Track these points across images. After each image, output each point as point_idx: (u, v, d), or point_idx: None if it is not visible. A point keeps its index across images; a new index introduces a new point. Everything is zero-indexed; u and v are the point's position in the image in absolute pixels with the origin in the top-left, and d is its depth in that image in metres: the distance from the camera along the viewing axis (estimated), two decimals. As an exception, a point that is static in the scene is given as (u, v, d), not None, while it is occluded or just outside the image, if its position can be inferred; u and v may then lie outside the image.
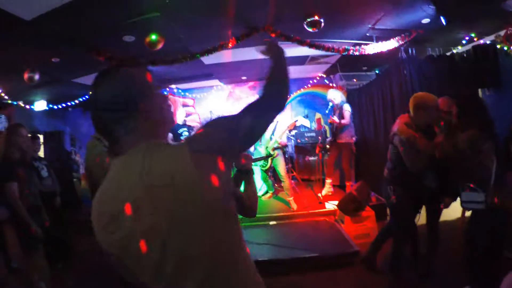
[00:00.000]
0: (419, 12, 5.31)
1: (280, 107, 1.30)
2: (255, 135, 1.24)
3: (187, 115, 10.03)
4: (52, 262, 4.16)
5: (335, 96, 6.70)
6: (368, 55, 6.23)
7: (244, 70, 8.61)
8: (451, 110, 3.33)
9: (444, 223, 4.82)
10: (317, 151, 7.34)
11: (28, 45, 5.20)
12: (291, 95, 10.18)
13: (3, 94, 7.63)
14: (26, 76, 5.81)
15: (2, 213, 3.88)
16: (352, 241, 4.72)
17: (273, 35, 5.47)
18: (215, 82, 10.01)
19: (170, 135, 7.97)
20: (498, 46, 5.61)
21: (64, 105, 9.12)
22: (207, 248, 1.05)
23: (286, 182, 6.27)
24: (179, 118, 9.77)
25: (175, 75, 8.42)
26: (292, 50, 6.85)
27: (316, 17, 5.02)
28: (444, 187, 3.53)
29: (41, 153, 6.10)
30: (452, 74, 5.35)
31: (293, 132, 8.51)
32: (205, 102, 10.45)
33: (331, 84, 9.55)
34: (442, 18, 5.29)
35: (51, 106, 9.08)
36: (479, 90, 6.36)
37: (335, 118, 6.57)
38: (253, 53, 6.82)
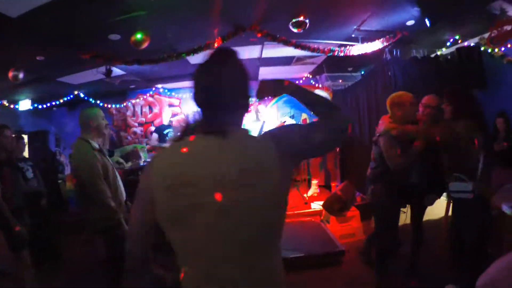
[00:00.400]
0: (404, 14, 5.37)
1: (345, 130, 1.37)
2: (325, 150, 1.53)
3: (173, 115, 9.99)
4: (39, 263, 4.12)
5: (321, 97, 6.74)
6: (354, 56, 6.28)
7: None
8: (439, 104, 3.37)
9: (428, 222, 4.89)
10: (302, 151, 7.39)
11: (13, 42, 5.13)
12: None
13: (-14, 94, 7.54)
14: (10, 74, 5.74)
15: None
16: (337, 240, 4.76)
17: (259, 34, 5.47)
18: (202, 81, 9.89)
19: (156, 135, 7.95)
20: (482, 48, 5.70)
21: (49, 104, 9.02)
22: (262, 232, 1.17)
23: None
24: (165, 118, 9.75)
25: (161, 74, 8.37)
26: (278, 51, 6.87)
27: (302, 18, 5.04)
28: (430, 185, 3.58)
29: (25, 154, 6.02)
30: (436, 75, 5.42)
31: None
32: (192, 102, 10.29)
33: (317, 85, 9.59)
34: (426, 20, 5.35)
35: (35, 105, 8.98)
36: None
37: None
38: (239, 53, 6.80)
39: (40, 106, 9.01)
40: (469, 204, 3.08)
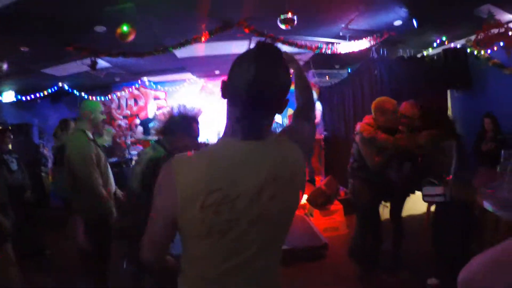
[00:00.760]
0: (391, 14, 5.43)
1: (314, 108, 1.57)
2: None
3: (158, 108, 9.95)
4: (22, 258, 4.07)
5: (307, 94, 6.78)
6: (341, 54, 6.32)
7: (217, 64, 8.59)
8: (414, 115, 3.45)
9: (410, 217, 4.98)
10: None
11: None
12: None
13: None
14: (-6, 66, 5.64)
15: None
16: (321, 234, 4.82)
17: (247, 30, 5.46)
18: (187, 75, 9.94)
19: (141, 128, 7.91)
20: (469, 50, 5.79)
21: (32, 96, 8.89)
22: (281, 237, 1.23)
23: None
24: (150, 112, 9.70)
25: (147, 67, 8.31)
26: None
27: (290, 15, 5.05)
28: (407, 181, 3.68)
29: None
30: (422, 75, 5.50)
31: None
32: (177, 95, 10.33)
33: (304, 81, 9.58)
34: (414, 20, 5.41)
35: (19, 97, 8.84)
36: (448, 91, 6.58)
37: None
38: (226, 47, 6.82)
39: (23, 98, 8.86)
40: (448, 206, 3.16)
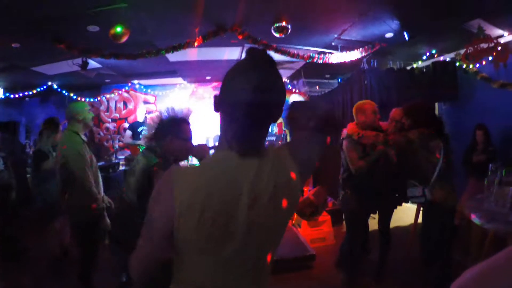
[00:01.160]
0: (383, 26, 5.49)
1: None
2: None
3: (148, 112, 9.88)
4: (5, 259, 4.02)
5: (297, 102, 6.78)
6: (332, 63, 6.36)
7: (209, 69, 8.56)
8: (403, 119, 3.49)
9: (397, 228, 5.00)
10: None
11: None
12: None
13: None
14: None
15: None
16: (308, 244, 4.78)
17: (240, 36, 5.47)
18: (178, 80, 9.90)
19: (129, 132, 7.83)
20: (458, 64, 5.88)
21: (21, 94, 8.78)
22: (274, 246, 1.24)
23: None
24: (139, 115, 9.63)
25: (138, 70, 8.24)
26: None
27: (284, 23, 5.08)
28: (393, 191, 3.72)
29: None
30: (411, 86, 5.57)
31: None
32: (167, 100, 10.23)
33: (294, 90, 9.67)
34: (405, 33, 5.47)
35: (7, 94, 8.72)
36: (436, 104, 6.67)
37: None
38: (219, 53, 6.82)
39: (12, 96, 8.75)
40: (432, 210, 3.20)
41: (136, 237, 1.17)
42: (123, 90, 10.02)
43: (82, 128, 3.32)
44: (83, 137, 3.31)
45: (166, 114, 2.61)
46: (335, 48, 6.41)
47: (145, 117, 9.20)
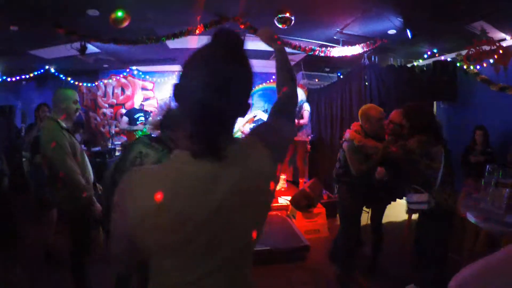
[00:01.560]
0: (386, 23, 5.48)
1: (296, 104, 1.45)
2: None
3: (145, 99, 9.85)
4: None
5: (296, 94, 6.76)
6: (333, 57, 6.34)
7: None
8: (402, 122, 3.47)
9: (391, 224, 5.03)
10: (273, 146, 7.39)
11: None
12: (253, 88, 10.19)
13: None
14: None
15: None
16: (303, 236, 4.82)
17: (242, 26, 5.45)
18: (177, 67, 9.64)
19: (126, 118, 7.80)
20: (458, 64, 5.88)
21: (18, 78, 8.69)
22: (250, 246, 1.09)
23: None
24: (137, 102, 9.58)
25: (137, 56, 8.17)
26: (257, 44, 6.83)
27: (288, 14, 5.06)
28: (392, 188, 3.73)
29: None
30: (410, 84, 5.57)
31: (252, 126, 8.50)
32: (165, 87, 10.16)
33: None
34: (408, 31, 5.46)
35: (4, 77, 8.63)
36: (435, 102, 6.68)
37: (293, 119, 6.62)
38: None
39: (8, 79, 8.66)
40: (431, 213, 3.18)
41: None
42: (121, 75, 9.93)
43: (64, 118, 3.17)
44: (64, 124, 3.13)
45: (169, 108, 2.47)
46: (337, 42, 6.40)
47: (142, 104, 9.19)
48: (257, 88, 10.19)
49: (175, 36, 5.77)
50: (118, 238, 1.05)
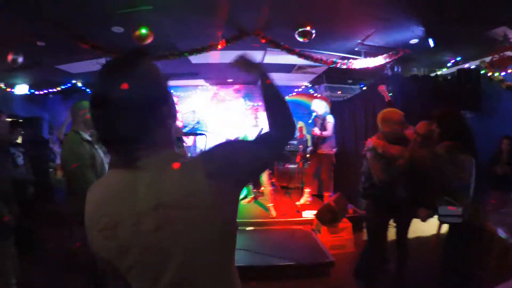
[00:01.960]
0: (408, 32, 5.43)
1: (290, 137, 1.31)
2: (268, 166, 1.19)
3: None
4: (20, 252, 4.09)
5: (319, 106, 6.71)
6: (355, 69, 6.30)
7: (231, 72, 8.54)
8: (429, 133, 3.38)
9: (418, 239, 4.92)
10: (297, 159, 7.36)
11: (15, 26, 5.06)
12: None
13: (-16, 75, 7.46)
14: (9, 57, 5.66)
15: None
16: (327, 251, 4.72)
17: (263, 40, 5.48)
18: (200, 82, 9.96)
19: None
20: (482, 72, 5.76)
21: (45, 91, 8.94)
22: (206, 271, 1.01)
23: (267, 188, 6.26)
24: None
25: (161, 71, 8.24)
26: (280, 58, 6.88)
27: (308, 28, 5.06)
28: (416, 200, 3.62)
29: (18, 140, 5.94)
30: (434, 94, 5.47)
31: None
32: (189, 101, 10.39)
33: (315, 94, 9.63)
34: (430, 40, 5.39)
35: (32, 91, 8.90)
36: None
37: (317, 130, 6.58)
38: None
39: (36, 92, 8.92)
40: (462, 228, 3.08)
41: None
42: (145, 91, 10.03)
43: (84, 128, 3.21)
44: (85, 135, 3.18)
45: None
46: (358, 53, 6.36)
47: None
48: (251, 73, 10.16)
49: (197, 51, 5.85)
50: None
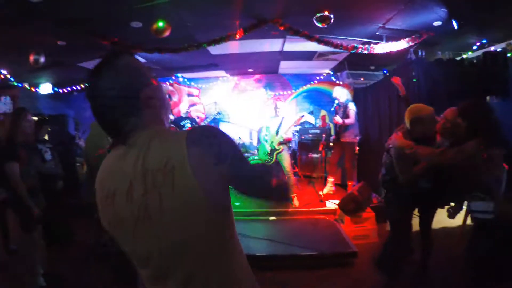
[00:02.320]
0: (431, 14, 5.24)
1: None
2: (238, 183, 1.20)
3: (192, 105, 10.05)
4: (49, 244, 4.22)
5: (341, 94, 6.61)
6: (377, 54, 6.15)
7: (251, 62, 8.55)
8: (458, 121, 3.23)
9: (444, 230, 4.80)
10: (320, 148, 7.27)
11: (35, 27, 5.17)
12: (297, 90, 10.14)
13: (8, 76, 7.64)
14: (31, 58, 5.78)
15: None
16: (350, 241, 4.67)
17: (282, 28, 5.41)
18: (221, 73, 9.95)
19: (173, 126, 7.95)
20: (509, 55, 5.52)
21: (69, 89, 9.14)
22: (191, 238, 1.07)
23: (290, 178, 6.22)
24: (183, 108, 9.78)
25: (181, 63, 8.38)
26: (300, 45, 6.80)
27: (326, 13, 4.96)
28: (442, 193, 3.48)
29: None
30: (460, 79, 5.26)
31: (297, 128, 8.45)
32: (210, 92, 10.42)
33: (337, 82, 9.47)
34: (454, 21, 5.20)
35: (56, 89, 9.10)
36: (487, 98, 6.31)
37: (338, 119, 6.48)
38: (260, 45, 6.78)
39: (60, 90, 9.12)
40: (491, 224, 2.95)
41: None
42: (167, 83, 10.19)
43: None
44: None
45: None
46: (380, 38, 6.19)
47: (188, 110, 9.37)
48: (301, 90, 10.14)
49: (215, 42, 5.83)
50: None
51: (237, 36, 5.59)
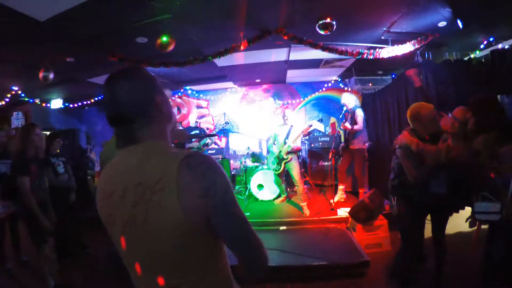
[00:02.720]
0: (435, 15, 5.20)
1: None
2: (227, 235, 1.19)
3: (201, 116, 10.10)
4: (61, 256, 4.26)
5: (349, 100, 6.55)
6: (384, 59, 6.10)
7: (258, 72, 8.61)
8: (467, 119, 3.18)
9: (459, 234, 4.68)
10: (330, 156, 7.20)
11: (43, 45, 5.29)
12: (306, 98, 10.13)
13: (20, 92, 7.78)
14: (41, 75, 5.89)
15: (8, 207, 4.11)
16: (363, 250, 4.58)
17: (286, 37, 5.41)
18: (229, 84, 10.03)
19: (182, 138, 7.99)
20: (517, 51, 5.43)
21: (80, 104, 9.28)
22: (173, 254, 1.11)
23: (300, 187, 6.16)
24: (192, 120, 9.83)
25: (189, 76, 8.47)
26: (305, 53, 6.79)
27: (328, 20, 4.94)
28: (456, 197, 3.38)
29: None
30: (469, 79, 5.18)
31: (307, 136, 8.43)
32: (219, 103, 10.49)
33: (346, 88, 9.43)
34: (459, 21, 5.13)
35: (67, 104, 9.24)
36: (498, 96, 6.20)
37: (347, 125, 6.42)
38: (266, 55, 6.79)
39: (71, 105, 9.27)
40: (503, 225, 2.85)
41: None
42: (176, 96, 10.31)
43: None
44: None
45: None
46: (386, 42, 6.15)
47: (197, 121, 9.41)
48: (309, 98, 10.13)
49: (220, 54, 5.86)
50: None
51: (242, 48, 5.60)
